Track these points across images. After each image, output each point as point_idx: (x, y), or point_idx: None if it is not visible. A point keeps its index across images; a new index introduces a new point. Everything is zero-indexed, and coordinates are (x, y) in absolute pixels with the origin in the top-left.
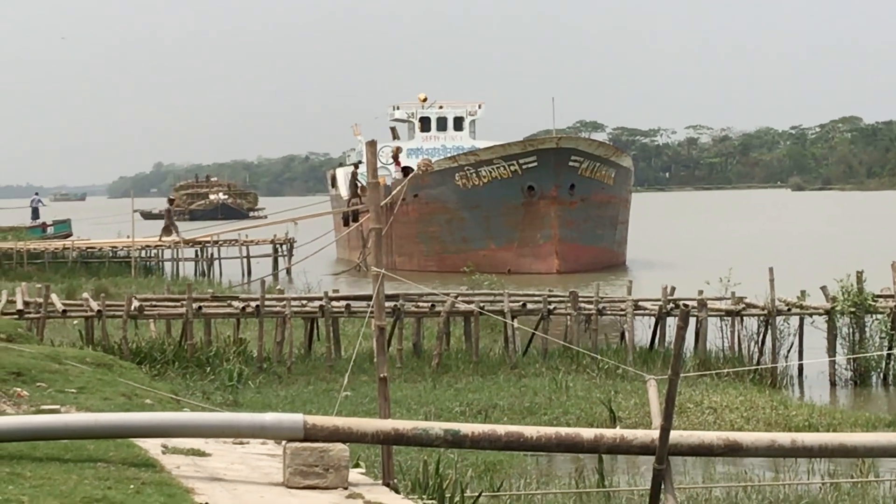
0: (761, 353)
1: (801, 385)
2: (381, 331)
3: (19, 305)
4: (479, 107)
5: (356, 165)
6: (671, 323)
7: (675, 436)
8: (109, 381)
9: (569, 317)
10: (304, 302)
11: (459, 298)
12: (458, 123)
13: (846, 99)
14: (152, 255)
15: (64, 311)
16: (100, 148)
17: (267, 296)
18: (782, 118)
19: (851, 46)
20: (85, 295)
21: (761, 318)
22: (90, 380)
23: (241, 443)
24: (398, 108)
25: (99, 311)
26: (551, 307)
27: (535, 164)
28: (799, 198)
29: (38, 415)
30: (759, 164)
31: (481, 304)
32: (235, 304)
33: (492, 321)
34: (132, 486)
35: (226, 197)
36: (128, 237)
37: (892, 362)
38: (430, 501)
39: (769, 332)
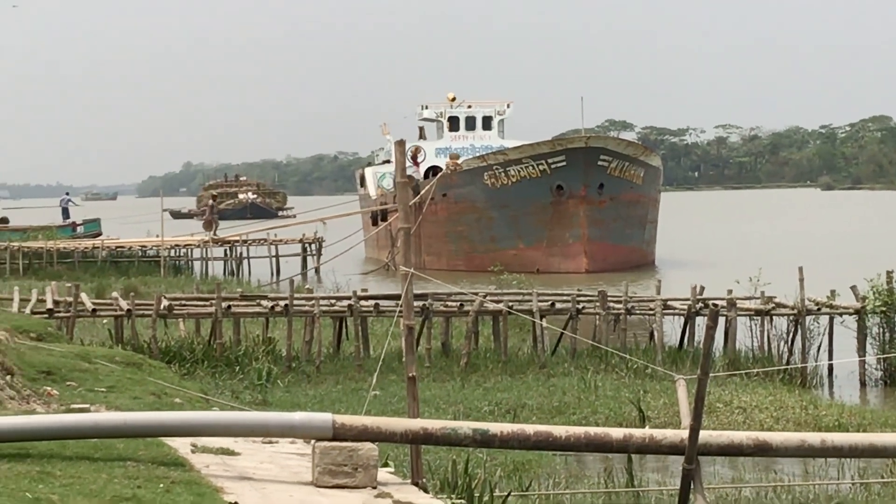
0: (791, 352)
1: (831, 385)
2: (410, 330)
3: (49, 305)
4: (508, 106)
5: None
6: (700, 322)
7: (705, 435)
8: (139, 380)
9: (597, 316)
10: (333, 301)
11: (488, 298)
12: (487, 123)
13: (876, 98)
14: (181, 254)
15: (94, 310)
16: (129, 148)
17: (296, 295)
18: (812, 117)
19: (882, 45)
20: (114, 294)
21: (791, 317)
22: (120, 379)
23: (270, 442)
24: (427, 108)
25: (128, 310)
26: (580, 307)
27: (564, 163)
28: (828, 197)
29: (68, 414)
30: (789, 164)
31: (510, 304)
32: (264, 303)
33: (520, 321)
34: (162, 485)
35: (255, 196)
36: (157, 236)
37: None
38: (459, 501)
39: (799, 331)
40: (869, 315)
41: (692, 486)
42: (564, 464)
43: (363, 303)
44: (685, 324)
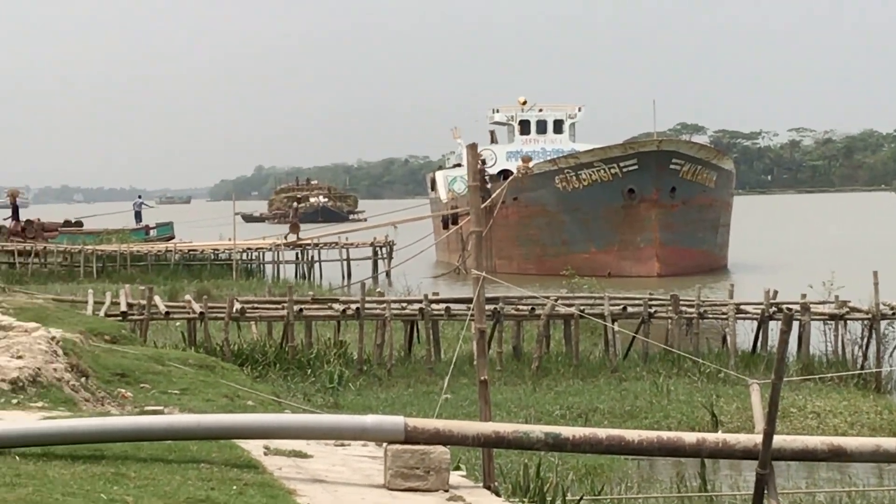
0: (865, 357)
1: None
2: (482, 333)
3: (123, 307)
4: (579, 109)
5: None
6: (773, 327)
7: (779, 440)
8: (212, 382)
9: (669, 320)
10: (404, 304)
11: (559, 301)
12: (558, 126)
13: None
14: (253, 257)
15: (167, 312)
16: (202, 152)
17: (367, 298)
18: (886, 120)
19: None
20: (187, 297)
21: (865, 322)
22: (193, 381)
23: (342, 444)
24: (498, 111)
25: (201, 312)
26: (652, 311)
27: (636, 166)
28: None
29: (141, 416)
30: (863, 167)
31: (581, 308)
32: (336, 306)
33: (592, 324)
34: (235, 487)
35: (326, 200)
36: (229, 239)
37: None
38: None
39: (873, 336)
40: None
41: (766, 492)
42: (637, 468)
43: (434, 306)
44: (758, 328)
